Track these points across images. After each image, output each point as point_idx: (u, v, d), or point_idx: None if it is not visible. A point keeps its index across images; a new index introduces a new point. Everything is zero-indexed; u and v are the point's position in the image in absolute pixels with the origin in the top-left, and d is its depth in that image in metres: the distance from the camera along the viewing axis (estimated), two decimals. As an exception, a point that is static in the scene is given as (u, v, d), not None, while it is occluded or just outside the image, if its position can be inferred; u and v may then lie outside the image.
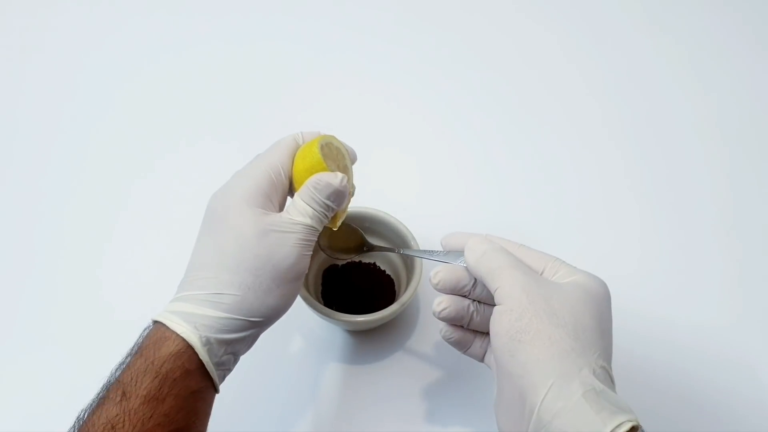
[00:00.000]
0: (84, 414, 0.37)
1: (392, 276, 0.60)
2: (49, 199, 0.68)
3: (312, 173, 0.43)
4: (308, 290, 0.53)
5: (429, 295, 0.60)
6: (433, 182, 0.70)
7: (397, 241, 0.58)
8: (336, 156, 0.45)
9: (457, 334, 0.45)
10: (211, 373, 0.39)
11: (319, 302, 0.53)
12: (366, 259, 0.61)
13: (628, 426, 0.33)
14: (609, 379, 0.37)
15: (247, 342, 0.41)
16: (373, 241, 0.59)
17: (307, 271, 0.43)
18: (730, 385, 0.56)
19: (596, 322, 0.38)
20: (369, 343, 0.58)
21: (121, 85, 0.78)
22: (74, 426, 0.36)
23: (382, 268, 0.60)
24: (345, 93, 0.77)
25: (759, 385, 0.56)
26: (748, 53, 0.82)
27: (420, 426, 0.53)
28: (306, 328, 0.58)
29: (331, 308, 0.53)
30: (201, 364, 0.38)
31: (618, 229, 0.67)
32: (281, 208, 0.44)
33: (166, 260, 0.60)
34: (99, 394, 0.37)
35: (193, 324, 0.38)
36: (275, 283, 0.40)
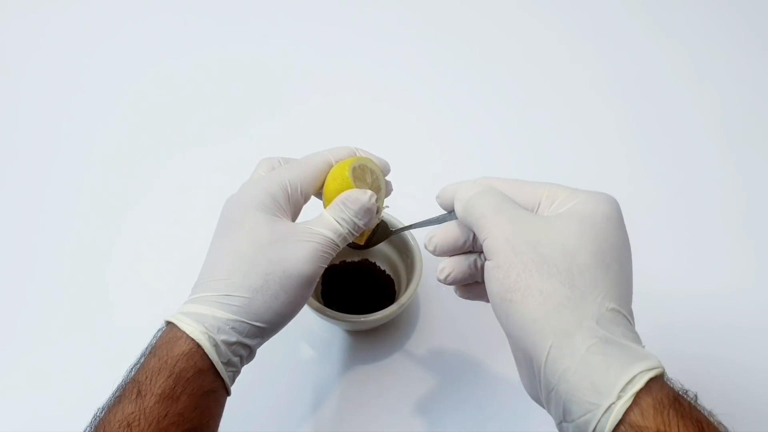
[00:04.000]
0: (100, 412, 0.37)
1: (392, 276, 0.59)
2: (56, 202, 0.68)
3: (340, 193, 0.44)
4: (308, 290, 0.53)
5: (429, 296, 0.60)
6: (433, 181, 0.70)
7: (397, 241, 0.58)
8: (368, 177, 0.46)
9: (471, 292, 0.43)
10: (221, 373, 0.39)
11: (319, 302, 0.53)
12: (365, 257, 0.61)
13: (644, 378, 0.30)
14: (623, 320, 0.33)
15: (251, 348, 0.41)
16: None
17: (317, 282, 0.42)
18: (746, 351, 0.56)
19: (595, 257, 0.34)
20: (369, 343, 0.58)
21: (131, 86, 0.79)
22: (91, 424, 0.37)
23: (382, 268, 0.60)
24: (351, 95, 0.78)
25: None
26: (747, 45, 0.82)
27: (420, 426, 0.53)
28: (306, 328, 0.58)
29: (331, 308, 0.53)
30: (212, 365, 0.38)
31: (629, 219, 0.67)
32: (293, 221, 0.44)
33: (175, 263, 0.61)
34: (115, 393, 0.37)
35: (203, 324, 0.38)
36: (283, 289, 0.40)
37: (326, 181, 0.45)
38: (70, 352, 0.57)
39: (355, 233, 0.43)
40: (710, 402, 0.32)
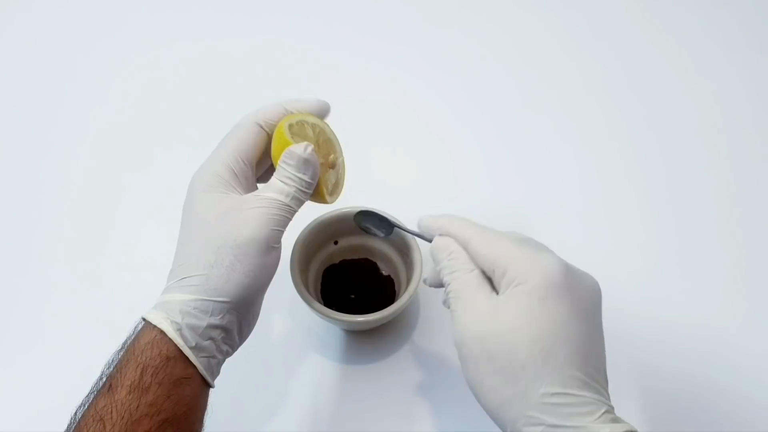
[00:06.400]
0: (78, 411, 0.37)
1: (392, 276, 0.59)
2: (46, 198, 0.68)
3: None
4: (308, 290, 0.53)
5: (429, 295, 0.60)
6: (430, 177, 0.70)
7: (397, 241, 0.58)
8: (309, 131, 0.45)
9: None
10: (190, 359, 0.38)
11: (319, 302, 0.53)
12: (365, 255, 0.61)
13: None
14: (572, 399, 0.34)
15: (225, 330, 0.40)
16: (374, 239, 0.59)
17: (277, 247, 0.42)
18: (732, 386, 0.56)
19: (533, 348, 0.35)
20: (369, 343, 0.58)
21: (120, 78, 0.79)
22: (70, 425, 0.37)
23: (383, 268, 0.60)
24: (343, 89, 0.77)
25: (762, 387, 0.56)
26: (747, 47, 0.82)
27: (419, 426, 0.53)
28: (305, 328, 0.58)
29: (331, 308, 0.52)
30: (180, 351, 0.38)
31: (618, 226, 0.67)
32: (248, 192, 0.44)
33: (167, 257, 0.61)
34: (91, 390, 0.38)
35: (165, 310, 0.38)
36: (237, 259, 0.40)
37: (271, 148, 0.44)
38: (61, 351, 0.57)
39: (304, 189, 0.43)
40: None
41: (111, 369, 0.38)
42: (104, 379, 0.37)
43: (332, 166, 0.46)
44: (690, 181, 0.70)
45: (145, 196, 0.68)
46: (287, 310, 0.59)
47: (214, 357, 0.40)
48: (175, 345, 0.38)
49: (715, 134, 0.74)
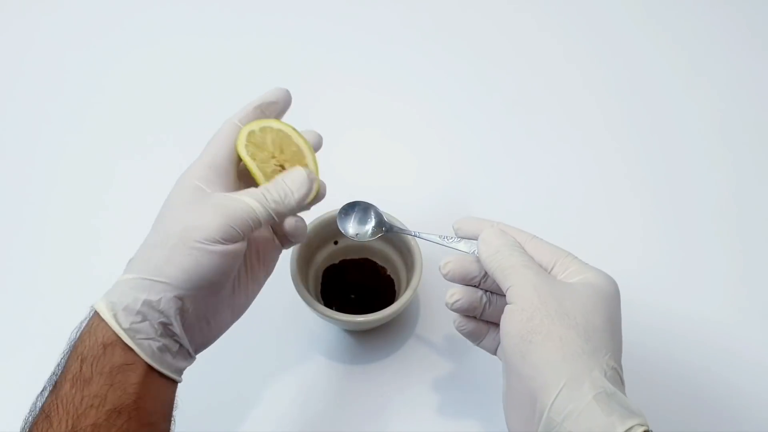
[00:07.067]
0: (29, 415, 0.36)
1: (392, 276, 0.59)
2: (35, 196, 0.68)
3: (243, 167, 0.43)
4: (308, 290, 0.53)
5: (429, 296, 0.60)
6: (428, 174, 0.70)
7: (398, 241, 0.58)
8: (268, 140, 0.43)
9: (470, 325, 0.45)
10: (125, 340, 0.36)
11: (319, 302, 0.53)
12: (365, 255, 0.61)
13: (639, 430, 0.34)
14: (619, 381, 0.37)
15: (160, 311, 0.37)
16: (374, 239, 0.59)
17: (226, 245, 0.39)
18: (733, 379, 0.56)
19: (607, 322, 0.38)
20: (369, 343, 0.58)
21: (114, 70, 0.78)
22: (23, 427, 0.36)
23: (383, 267, 0.60)
24: (340, 86, 0.77)
25: (763, 381, 0.56)
26: (747, 47, 0.82)
27: (420, 426, 0.53)
28: (305, 328, 0.58)
29: (331, 308, 0.53)
30: (118, 337, 0.36)
31: (619, 222, 0.67)
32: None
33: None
34: (42, 389, 0.37)
35: (107, 294, 0.38)
36: (182, 241, 0.38)
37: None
38: (50, 347, 0.56)
39: (281, 210, 0.41)
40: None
41: (56, 367, 0.37)
42: (50, 377, 0.37)
43: (282, 166, 0.44)
44: (689, 177, 0.70)
45: (137, 194, 0.67)
46: (287, 310, 0.59)
47: (155, 340, 0.37)
48: (112, 330, 0.36)
49: (714, 129, 0.74)
